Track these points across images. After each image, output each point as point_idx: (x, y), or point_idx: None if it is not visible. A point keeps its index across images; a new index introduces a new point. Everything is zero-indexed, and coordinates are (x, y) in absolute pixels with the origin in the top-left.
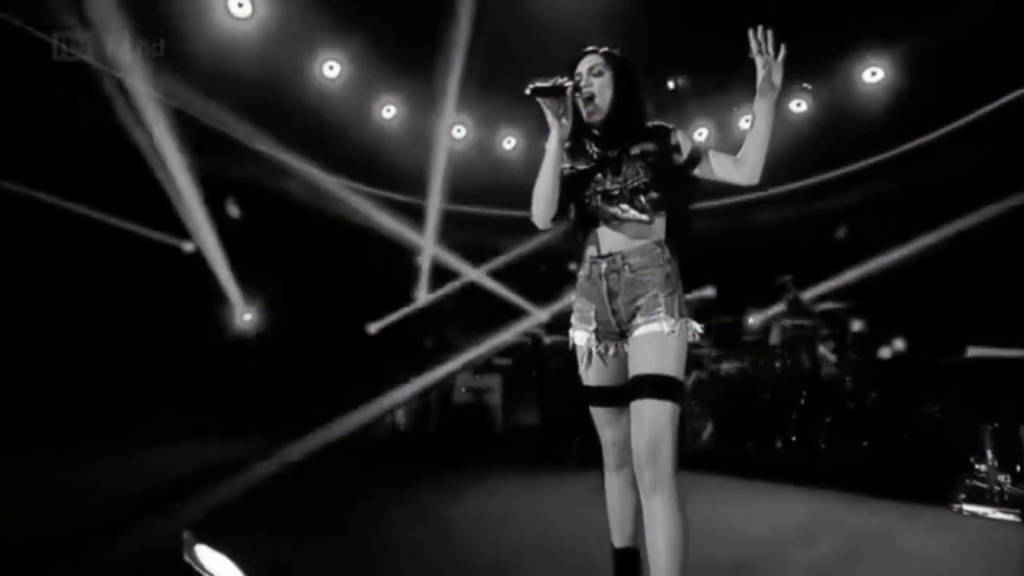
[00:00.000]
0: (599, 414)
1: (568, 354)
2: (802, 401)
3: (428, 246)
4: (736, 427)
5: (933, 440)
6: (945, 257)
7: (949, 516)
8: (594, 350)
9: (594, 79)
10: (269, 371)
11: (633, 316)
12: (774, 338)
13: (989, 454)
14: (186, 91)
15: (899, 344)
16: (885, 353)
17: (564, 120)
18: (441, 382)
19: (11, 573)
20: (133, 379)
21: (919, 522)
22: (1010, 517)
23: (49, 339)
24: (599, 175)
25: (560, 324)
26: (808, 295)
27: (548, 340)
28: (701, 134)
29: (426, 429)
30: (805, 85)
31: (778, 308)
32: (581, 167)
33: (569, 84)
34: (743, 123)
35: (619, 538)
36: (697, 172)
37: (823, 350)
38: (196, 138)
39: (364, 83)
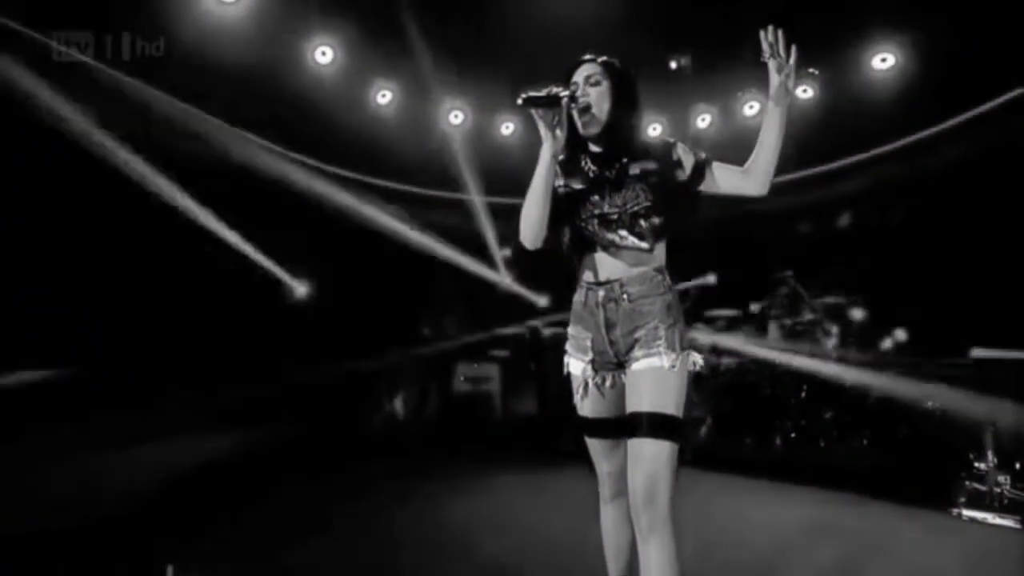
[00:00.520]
0: (594, 445)
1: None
2: (802, 394)
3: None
4: (735, 423)
5: (933, 437)
6: (952, 254)
7: (949, 521)
8: (591, 381)
9: (591, 89)
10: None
11: (631, 348)
12: (772, 335)
13: (990, 455)
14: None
15: (901, 334)
16: (887, 344)
17: (558, 132)
18: (440, 371)
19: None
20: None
21: (918, 528)
22: (1009, 523)
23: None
24: (596, 196)
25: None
26: (810, 288)
27: (547, 332)
28: (704, 120)
29: (425, 417)
30: (811, 70)
31: (774, 307)
32: (576, 186)
33: (565, 94)
34: (747, 109)
35: (614, 570)
36: (702, 188)
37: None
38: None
39: (358, 69)
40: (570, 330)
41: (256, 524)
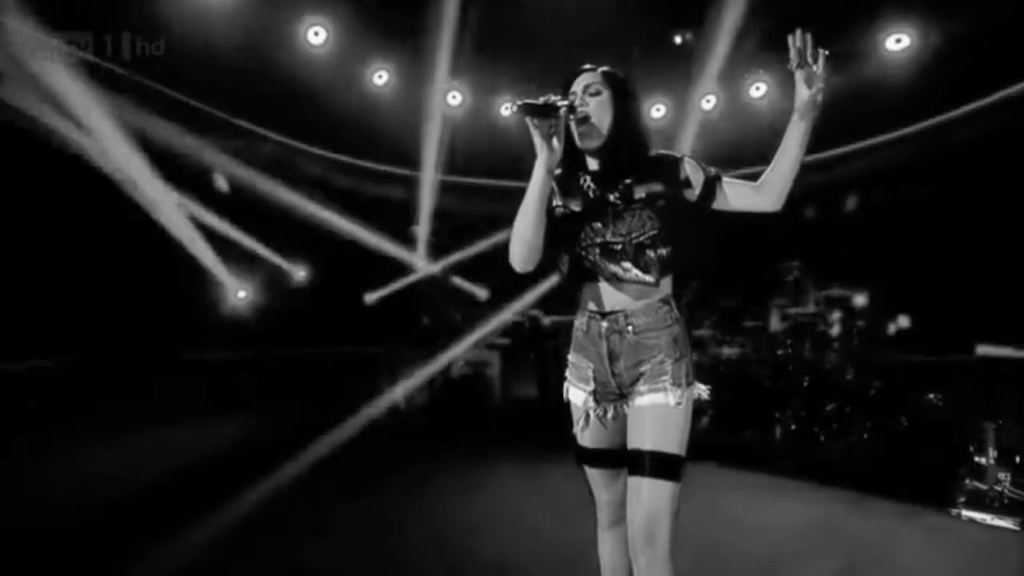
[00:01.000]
0: (594, 475)
1: (565, 332)
2: (805, 384)
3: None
4: (735, 414)
5: (934, 431)
6: (963, 247)
7: (948, 522)
8: (592, 413)
9: (590, 99)
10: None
11: (636, 381)
12: (774, 324)
13: (991, 451)
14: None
15: (904, 321)
16: (890, 329)
17: (555, 143)
18: (442, 363)
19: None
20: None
21: (918, 530)
22: (1009, 524)
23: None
24: (598, 223)
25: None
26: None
27: (546, 321)
28: (709, 101)
29: (427, 402)
30: (822, 51)
31: (779, 295)
32: (575, 208)
33: (563, 103)
34: (753, 91)
35: None
36: (713, 206)
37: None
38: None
39: (352, 49)
40: (570, 357)
41: (256, 522)
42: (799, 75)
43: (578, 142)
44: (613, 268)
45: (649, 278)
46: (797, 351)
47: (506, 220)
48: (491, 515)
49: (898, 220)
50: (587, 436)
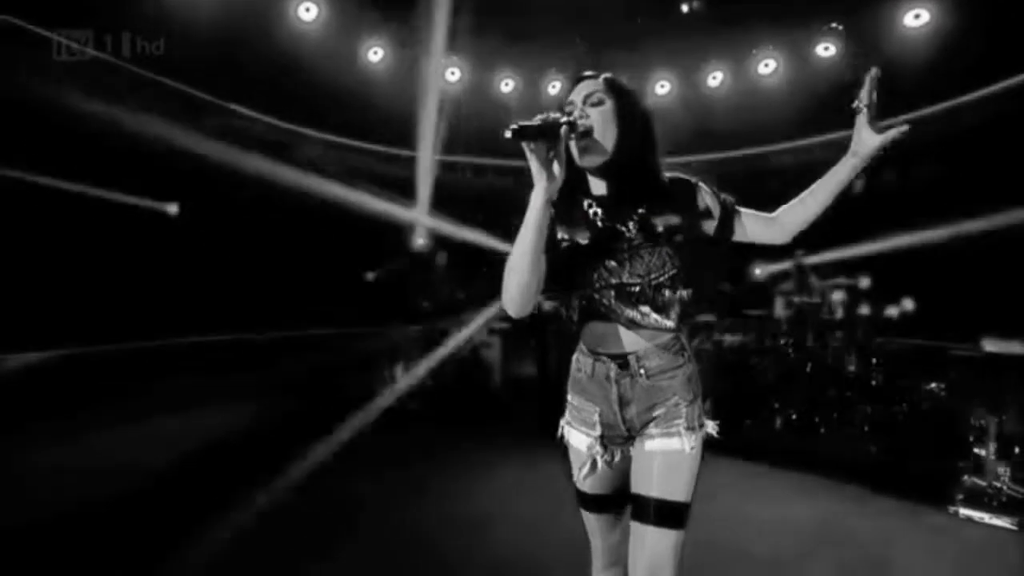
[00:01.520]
0: (591, 520)
1: (565, 316)
2: (807, 370)
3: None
4: (735, 404)
5: (935, 420)
6: (973, 239)
7: (946, 521)
8: (599, 459)
9: (592, 109)
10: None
11: (647, 424)
12: (778, 310)
13: (992, 444)
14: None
15: (908, 304)
16: (892, 312)
17: (556, 169)
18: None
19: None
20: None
21: (917, 530)
22: (1007, 524)
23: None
24: (612, 261)
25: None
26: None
27: (547, 305)
28: (716, 78)
29: (427, 387)
30: (835, 25)
31: (782, 282)
32: (582, 240)
33: (563, 120)
34: (762, 68)
35: None
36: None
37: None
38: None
39: (345, 25)
40: (571, 399)
41: (255, 522)
42: (863, 117)
43: (578, 160)
44: (631, 313)
45: (669, 323)
46: (799, 337)
47: (507, 195)
48: (490, 512)
49: (908, 201)
50: (589, 481)
